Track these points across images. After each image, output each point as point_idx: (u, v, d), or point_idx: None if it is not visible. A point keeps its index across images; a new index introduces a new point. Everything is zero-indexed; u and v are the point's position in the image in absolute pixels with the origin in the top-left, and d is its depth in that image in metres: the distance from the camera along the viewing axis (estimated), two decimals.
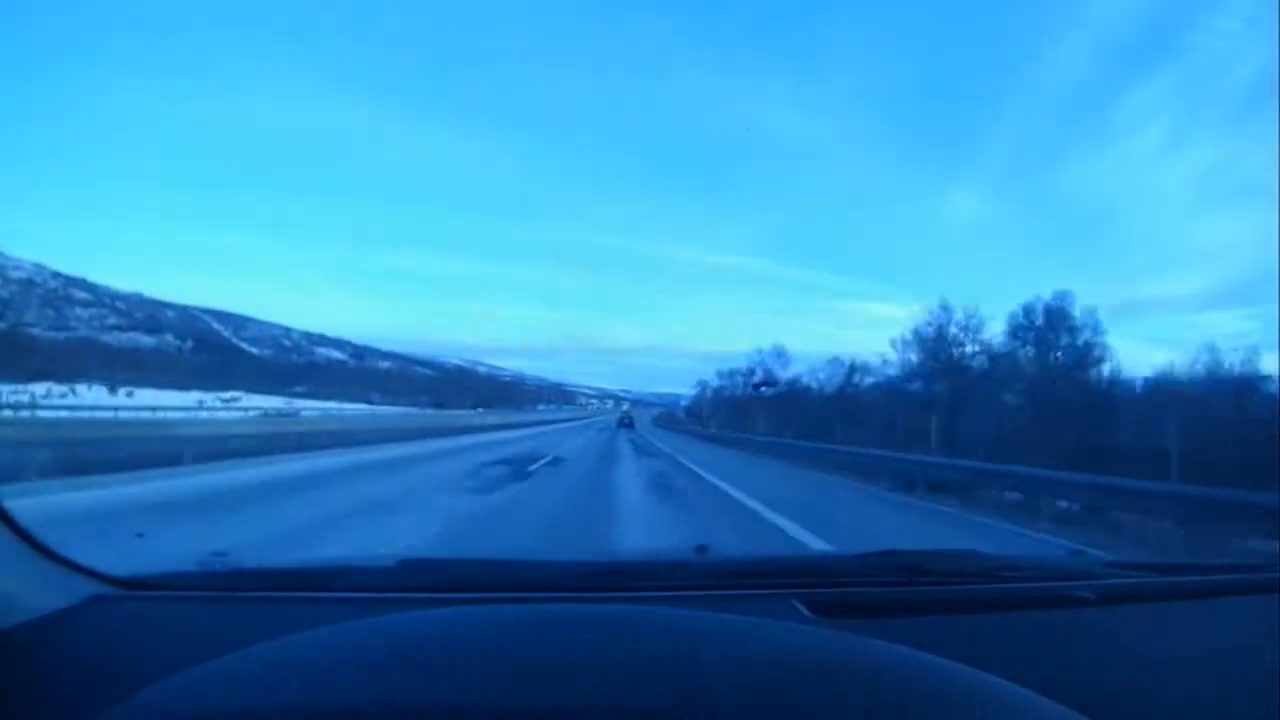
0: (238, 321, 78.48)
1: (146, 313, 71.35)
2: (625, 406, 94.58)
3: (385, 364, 65.68)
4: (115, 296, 71.95)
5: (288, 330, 69.24)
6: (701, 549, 1.44)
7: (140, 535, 5.01)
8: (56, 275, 69.39)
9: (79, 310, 67.99)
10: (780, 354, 50.02)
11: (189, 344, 63.71)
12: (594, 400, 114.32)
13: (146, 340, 62.42)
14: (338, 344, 69.07)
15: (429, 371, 61.99)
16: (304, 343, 72.70)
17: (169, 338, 64.46)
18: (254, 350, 68.38)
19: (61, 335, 58.83)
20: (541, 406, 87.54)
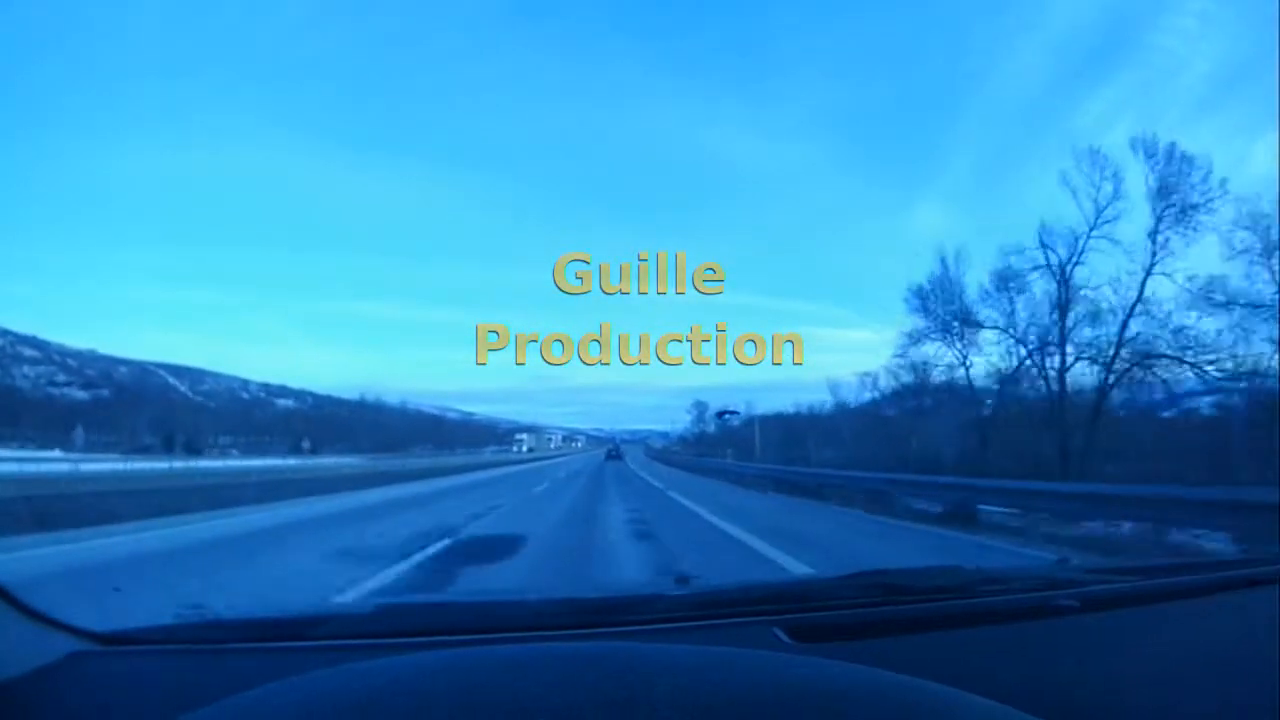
0: (194, 375, 75.88)
1: (99, 369, 69.21)
2: (606, 446, 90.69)
3: (344, 412, 63.19)
4: (66, 354, 70.39)
5: (245, 382, 66.57)
6: (682, 579, 1.45)
7: (117, 589, 4.71)
8: (4, 333, 67.28)
9: (26, 368, 65.56)
10: (700, 404, 51.79)
11: (134, 399, 61.27)
12: (552, 436, 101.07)
13: (81, 395, 59.80)
14: (298, 394, 66.26)
15: (393, 418, 60.31)
16: (262, 394, 69.43)
17: (104, 393, 61.82)
18: (209, 403, 65.64)
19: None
20: (519, 436, 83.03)
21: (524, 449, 73.75)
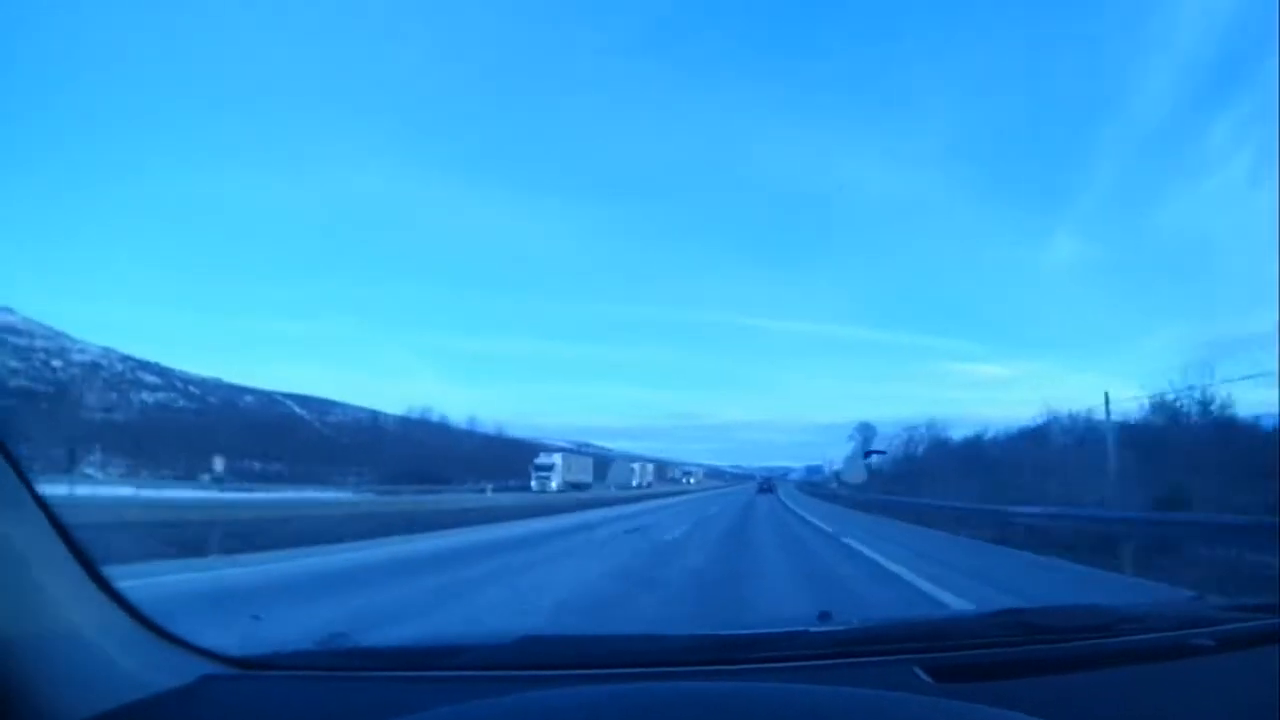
0: (322, 405, 77.11)
1: (221, 397, 71.50)
2: (743, 480, 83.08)
3: (473, 445, 63.71)
4: (188, 381, 72.36)
5: (375, 414, 67.42)
6: (824, 615, 1.43)
7: (257, 617, 4.91)
8: (126, 359, 69.75)
9: (145, 394, 67.86)
10: (865, 426, 50.27)
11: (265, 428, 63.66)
12: (689, 474, 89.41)
13: (204, 423, 61.62)
14: (437, 427, 65.39)
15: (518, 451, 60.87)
16: (393, 426, 69.20)
17: (229, 421, 63.81)
18: (335, 434, 67.86)
19: (121, 417, 58.93)
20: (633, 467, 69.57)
21: (634, 481, 59.30)
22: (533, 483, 47.11)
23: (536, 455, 53.17)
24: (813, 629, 1.30)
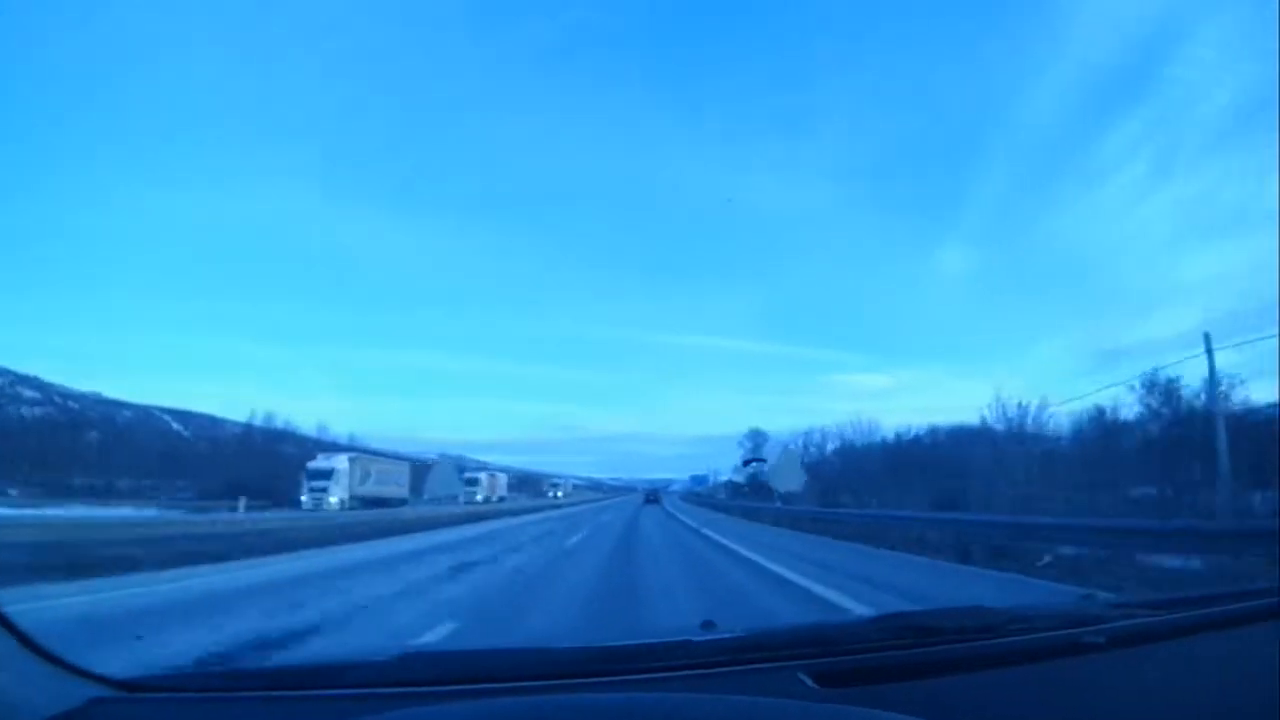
0: (203, 421, 72.71)
1: (100, 413, 67.80)
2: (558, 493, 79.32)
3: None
4: (68, 396, 68.35)
5: (249, 427, 63.05)
6: (708, 624, 1.43)
7: (139, 638, 4.81)
8: (4, 372, 65.24)
9: (24, 409, 64.00)
10: (757, 434, 51.84)
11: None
12: (556, 486, 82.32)
13: (82, 438, 57.45)
14: (316, 442, 58.90)
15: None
16: (234, 436, 61.69)
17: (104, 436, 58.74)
18: (210, 449, 63.06)
19: None
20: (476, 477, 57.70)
21: (476, 496, 47.16)
22: (304, 497, 35.29)
23: (313, 458, 39.51)
24: (696, 639, 1.29)
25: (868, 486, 29.88)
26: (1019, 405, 27.84)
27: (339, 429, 64.31)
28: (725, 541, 15.67)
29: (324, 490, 35.52)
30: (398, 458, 51.36)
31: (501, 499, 53.87)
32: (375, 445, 52.54)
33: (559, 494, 78.82)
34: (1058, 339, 63.11)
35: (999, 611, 1.44)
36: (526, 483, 78.90)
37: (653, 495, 61.80)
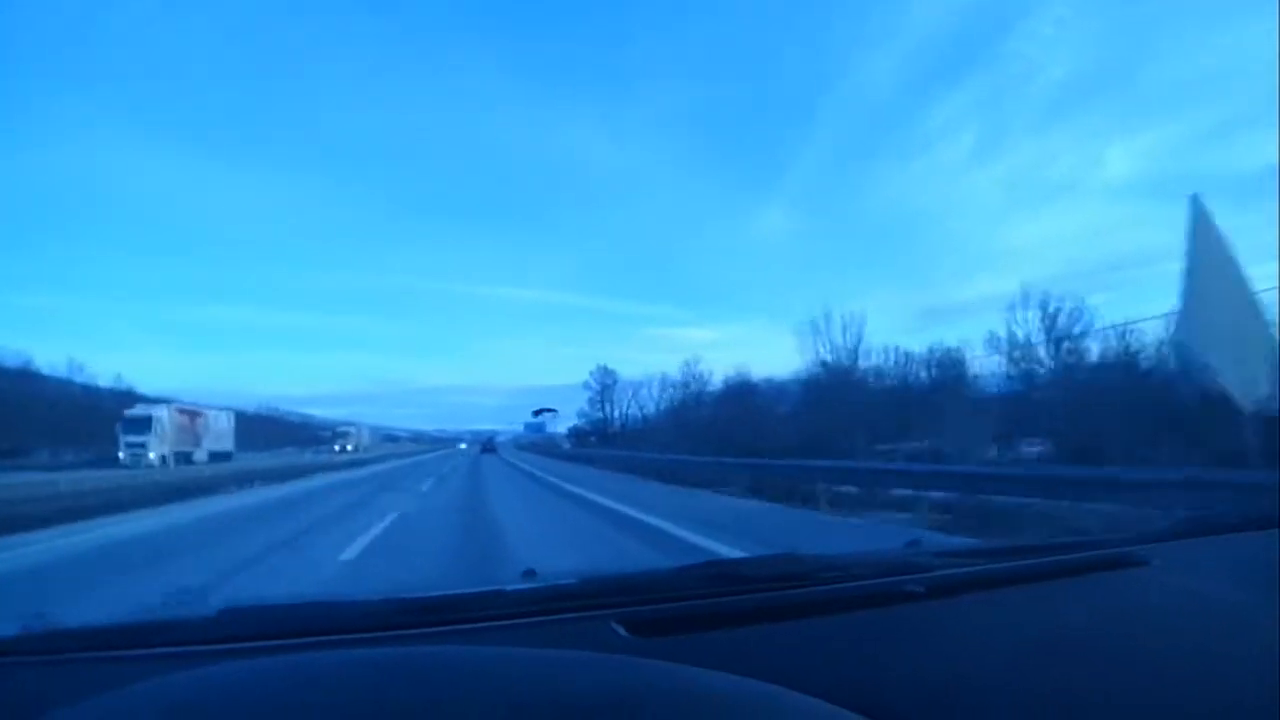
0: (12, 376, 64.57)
1: None
2: (454, 444, 79.13)
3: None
4: None
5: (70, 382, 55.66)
6: (529, 573, 1.44)
7: None
8: None
9: None
10: (605, 372, 53.63)
11: None
12: (346, 432, 71.60)
13: None
14: (140, 398, 54.25)
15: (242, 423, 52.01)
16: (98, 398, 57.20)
17: None
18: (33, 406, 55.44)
19: None
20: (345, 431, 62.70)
21: (346, 447, 50.62)
22: (121, 453, 32.82)
23: (131, 408, 36.56)
24: (510, 588, 1.29)
25: (701, 434, 30.38)
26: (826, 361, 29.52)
27: (153, 385, 57.04)
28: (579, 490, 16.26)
29: (142, 447, 33.19)
30: (224, 409, 46.74)
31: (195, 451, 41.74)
32: (191, 401, 44.95)
33: (349, 447, 63.09)
34: (881, 298, 67.05)
35: (816, 559, 1.42)
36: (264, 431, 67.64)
37: (489, 445, 62.47)
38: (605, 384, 56.34)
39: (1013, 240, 62.06)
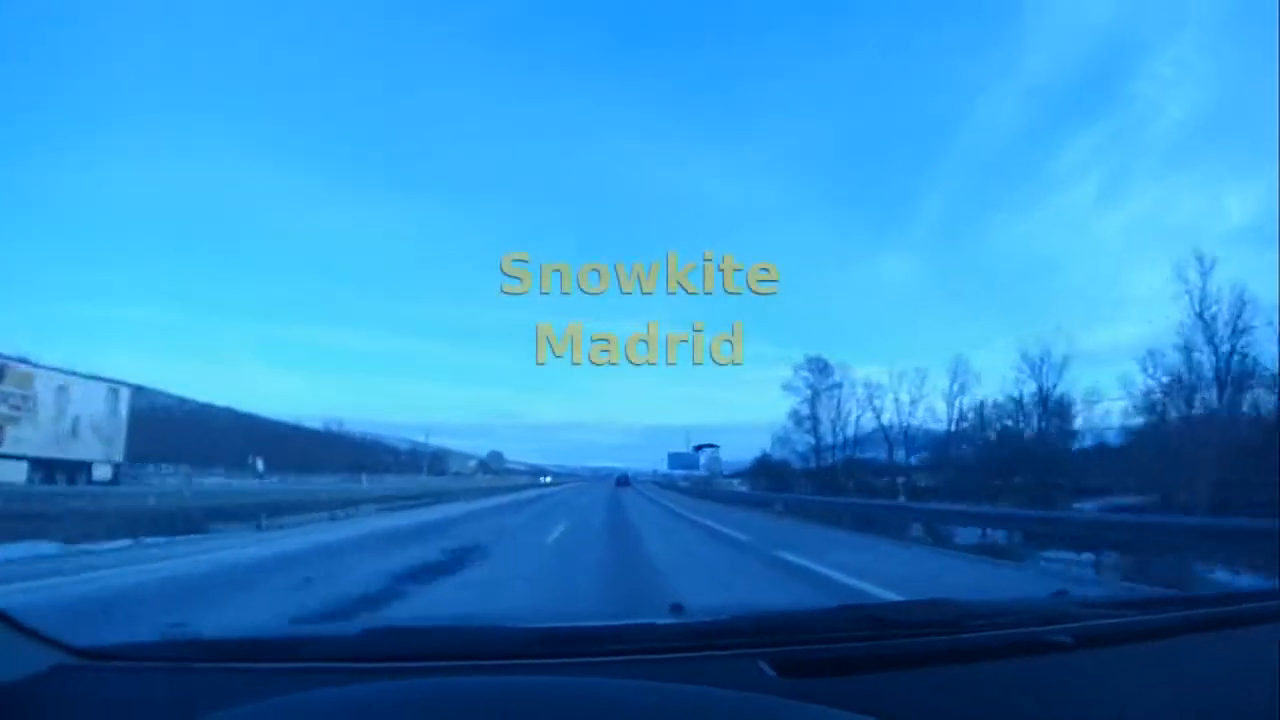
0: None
1: (186, 409, 66.68)
2: (546, 479, 74.92)
3: (301, 439, 56.59)
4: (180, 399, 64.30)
5: (182, 401, 55.76)
6: (677, 608, 1.44)
7: (106, 611, 4.97)
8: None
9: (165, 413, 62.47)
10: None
11: None
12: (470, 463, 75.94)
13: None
14: (250, 419, 55.20)
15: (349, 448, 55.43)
16: (204, 414, 58.20)
17: None
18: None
19: None
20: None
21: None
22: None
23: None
24: (660, 622, 1.29)
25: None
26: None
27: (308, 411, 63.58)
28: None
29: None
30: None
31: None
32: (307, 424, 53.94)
33: (547, 479, 77.96)
34: (998, 344, 60.66)
35: (964, 605, 1.42)
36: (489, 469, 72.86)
37: (623, 479, 62.13)
38: (815, 388, 35.85)
39: (1133, 289, 56.37)
